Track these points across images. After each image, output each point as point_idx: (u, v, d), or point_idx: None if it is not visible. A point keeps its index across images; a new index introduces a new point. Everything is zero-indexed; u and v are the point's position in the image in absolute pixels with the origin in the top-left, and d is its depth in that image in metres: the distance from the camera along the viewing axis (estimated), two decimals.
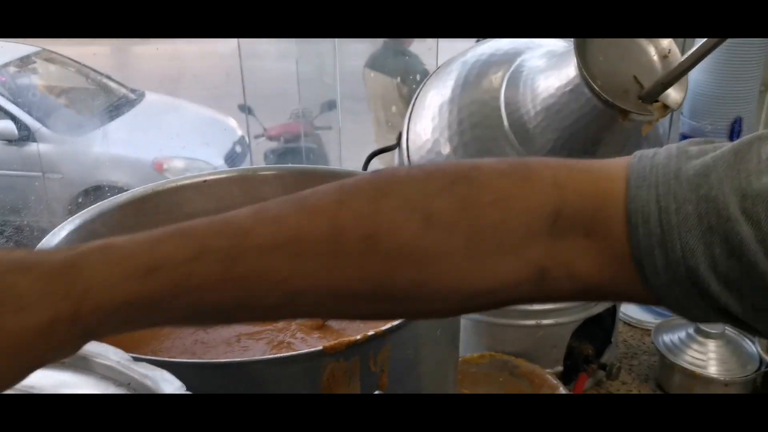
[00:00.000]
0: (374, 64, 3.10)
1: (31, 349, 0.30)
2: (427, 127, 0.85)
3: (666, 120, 1.16)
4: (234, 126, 3.45)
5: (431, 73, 0.91)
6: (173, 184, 0.77)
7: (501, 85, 0.81)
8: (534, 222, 0.35)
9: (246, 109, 3.36)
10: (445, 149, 0.82)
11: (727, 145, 0.35)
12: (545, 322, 0.87)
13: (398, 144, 0.89)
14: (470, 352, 0.90)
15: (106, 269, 0.31)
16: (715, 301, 0.34)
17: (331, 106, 3.35)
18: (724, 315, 0.34)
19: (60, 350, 0.32)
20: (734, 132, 1.05)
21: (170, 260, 0.32)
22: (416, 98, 0.90)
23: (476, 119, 0.81)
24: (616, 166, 0.36)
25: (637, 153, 0.37)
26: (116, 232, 0.33)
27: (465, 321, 0.90)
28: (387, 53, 2.95)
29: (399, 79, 2.89)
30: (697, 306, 0.35)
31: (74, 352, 0.33)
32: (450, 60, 0.90)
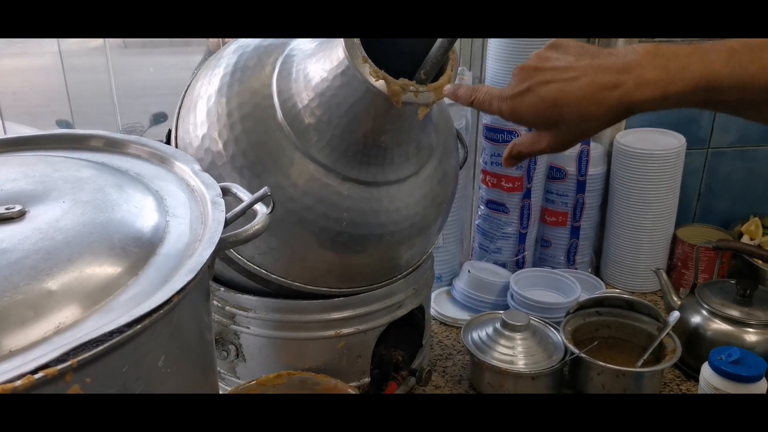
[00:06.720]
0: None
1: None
2: (196, 122, 0.74)
3: (472, 113, 1.14)
4: None
5: (201, 62, 0.81)
6: None
7: (273, 73, 0.72)
8: None
9: (63, 125, 3.07)
10: (216, 146, 0.72)
11: None
12: (345, 331, 0.80)
13: (167, 143, 0.78)
14: (268, 372, 0.80)
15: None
16: None
17: (160, 118, 3.15)
18: None
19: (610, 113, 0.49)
20: None
21: (717, 76, 0.45)
22: (186, 91, 0.79)
23: (246, 110, 0.71)
24: None
25: None
26: None
27: (259, 339, 0.80)
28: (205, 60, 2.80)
29: None
30: None
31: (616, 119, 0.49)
32: (223, 47, 0.80)
